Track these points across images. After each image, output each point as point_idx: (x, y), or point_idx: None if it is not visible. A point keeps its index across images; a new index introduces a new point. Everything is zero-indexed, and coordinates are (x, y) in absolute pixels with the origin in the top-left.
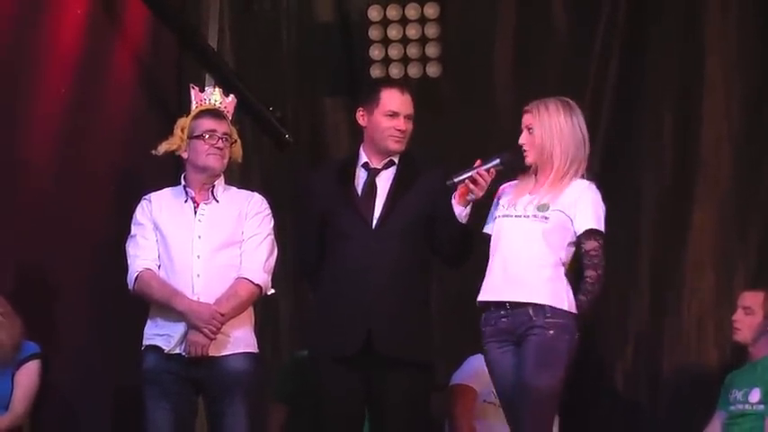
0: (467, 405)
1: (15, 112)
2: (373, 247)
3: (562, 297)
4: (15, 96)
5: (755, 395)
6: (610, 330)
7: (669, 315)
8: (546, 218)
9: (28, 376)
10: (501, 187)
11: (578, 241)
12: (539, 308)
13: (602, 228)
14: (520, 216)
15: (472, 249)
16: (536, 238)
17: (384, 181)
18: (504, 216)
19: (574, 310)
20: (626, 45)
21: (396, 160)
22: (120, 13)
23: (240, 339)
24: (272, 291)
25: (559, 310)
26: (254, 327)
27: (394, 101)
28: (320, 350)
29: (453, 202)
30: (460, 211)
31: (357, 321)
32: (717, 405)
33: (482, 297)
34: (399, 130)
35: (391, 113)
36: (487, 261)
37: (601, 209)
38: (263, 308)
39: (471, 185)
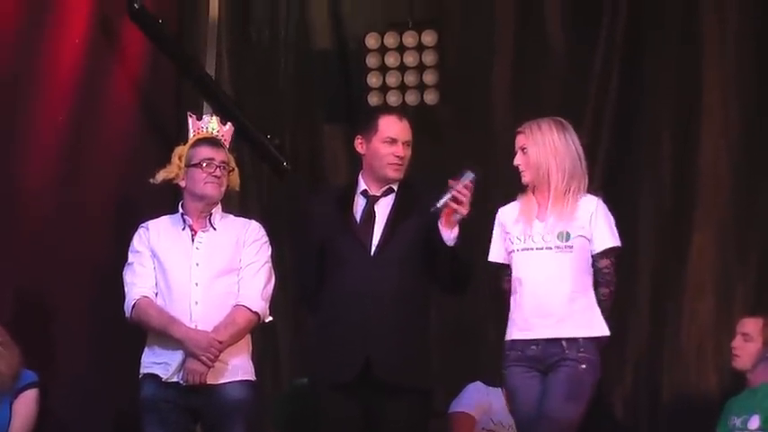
0: None
1: (14, 138)
2: (372, 274)
3: (594, 323)
4: (14, 123)
5: (755, 422)
6: (608, 354)
7: (668, 339)
8: (570, 247)
9: (26, 405)
10: (500, 211)
11: (592, 259)
12: (572, 341)
13: (617, 243)
14: (542, 248)
15: (468, 275)
16: (565, 271)
17: (383, 208)
18: (523, 250)
19: (605, 331)
20: (624, 63)
21: (395, 187)
22: (118, 42)
23: (238, 367)
24: (270, 318)
25: (592, 340)
26: (253, 354)
27: (392, 128)
28: (318, 376)
29: (440, 227)
30: (448, 235)
31: (356, 348)
32: (716, 431)
33: (514, 336)
34: (398, 157)
35: (389, 140)
36: (486, 288)
37: (613, 223)
38: (262, 335)
39: (455, 205)
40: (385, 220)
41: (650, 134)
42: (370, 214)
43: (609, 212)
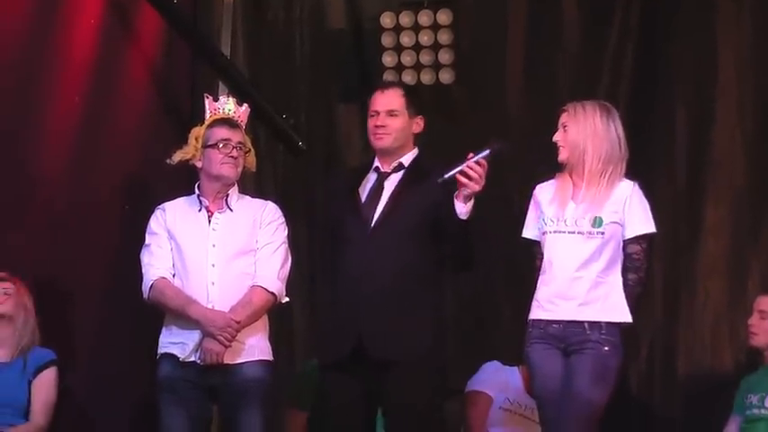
0: (482, 412)
1: (29, 121)
2: (369, 250)
3: (618, 309)
4: (29, 107)
5: None
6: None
7: (683, 317)
8: (602, 233)
9: (47, 386)
10: (537, 188)
11: (623, 243)
12: (594, 324)
13: (651, 229)
14: (573, 232)
15: (472, 251)
16: (594, 257)
17: (391, 184)
18: (555, 232)
19: (628, 318)
20: (639, 46)
21: (405, 164)
22: (133, 23)
23: (255, 347)
24: (287, 299)
25: (614, 325)
26: (269, 334)
27: (374, 100)
28: (317, 356)
29: (455, 199)
30: (461, 208)
31: (349, 325)
32: (733, 409)
33: (536, 315)
34: (375, 126)
35: (373, 113)
36: (502, 268)
37: (648, 210)
38: (278, 316)
39: (464, 179)
40: (388, 196)
41: (664, 114)
42: (378, 190)
43: (644, 198)
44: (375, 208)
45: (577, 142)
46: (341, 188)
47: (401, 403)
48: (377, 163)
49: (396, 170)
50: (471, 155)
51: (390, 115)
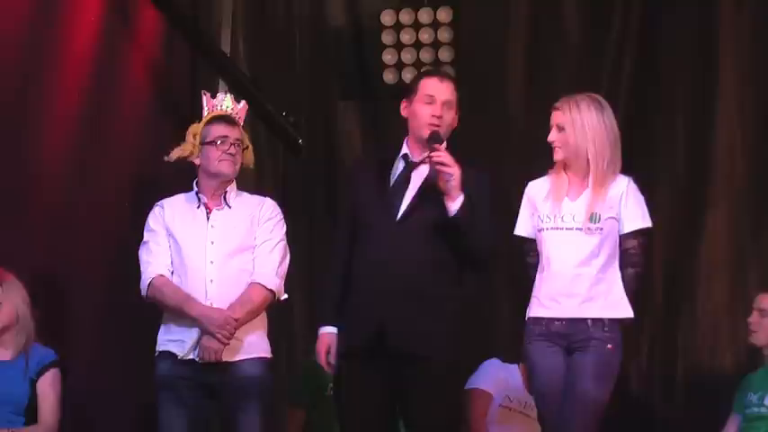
0: (483, 409)
1: (29, 119)
2: (394, 240)
3: (619, 305)
4: (29, 103)
5: None
6: (624, 330)
7: (684, 317)
8: (600, 229)
9: (53, 386)
10: (529, 185)
11: (620, 239)
12: (597, 321)
13: (647, 223)
14: (571, 229)
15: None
16: (594, 252)
17: (420, 175)
18: (552, 229)
19: (629, 313)
20: (639, 48)
21: None
22: (133, 19)
23: (254, 344)
24: (285, 296)
25: (616, 321)
26: (268, 332)
27: (431, 86)
28: (338, 344)
29: (446, 200)
30: (452, 206)
31: (370, 314)
32: (732, 408)
33: (536, 313)
34: (435, 116)
35: (429, 98)
36: (502, 266)
37: (643, 205)
38: (277, 313)
39: (445, 168)
40: (417, 187)
41: (665, 113)
42: (405, 179)
43: (639, 193)
44: (402, 197)
45: (578, 146)
46: (366, 176)
47: (420, 396)
48: (406, 150)
49: (424, 161)
50: (429, 153)
51: (448, 107)
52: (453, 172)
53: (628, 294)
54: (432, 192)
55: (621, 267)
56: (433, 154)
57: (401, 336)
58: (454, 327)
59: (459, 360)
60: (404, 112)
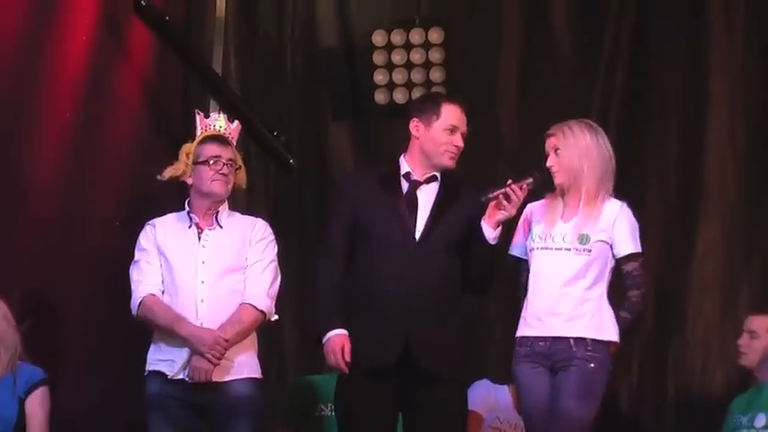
0: (472, 431)
1: (20, 136)
2: (415, 260)
3: (604, 327)
4: (21, 121)
5: (761, 420)
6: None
7: (674, 336)
8: (589, 250)
9: (41, 404)
10: (528, 207)
11: (618, 263)
12: (580, 340)
13: (637, 249)
14: (561, 249)
15: (492, 276)
16: (580, 273)
17: (425, 195)
18: (542, 249)
19: (614, 337)
20: (630, 65)
21: (438, 175)
22: (125, 38)
23: (244, 365)
24: (276, 317)
25: (600, 342)
26: (259, 352)
27: (455, 115)
28: (354, 361)
29: (483, 223)
30: (491, 233)
31: (396, 333)
32: (722, 430)
33: (523, 333)
34: (456, 146)
35: (451, 128)
36: (494, 286)
37: (636, 229)
38: (268, 333)
39: (504, 201)
40: (430, 207)
41: (656, 132)
42: (412, 199)
43: (633, 218)
44: (415, 217)
45: (572, 165)
46: (365, 189)
47: (434, 416)
48: (407, 168)
49: (428, 181)
50: (511, 181)
51: (464, 137)
52: (511, 213)
53: (635, 314)
54: (443, 213)
55: (625, 290)
56: (514, 187)
57: (427, 355)
58: (463, 346)
59: (466, 382)
60: (415, 131)
